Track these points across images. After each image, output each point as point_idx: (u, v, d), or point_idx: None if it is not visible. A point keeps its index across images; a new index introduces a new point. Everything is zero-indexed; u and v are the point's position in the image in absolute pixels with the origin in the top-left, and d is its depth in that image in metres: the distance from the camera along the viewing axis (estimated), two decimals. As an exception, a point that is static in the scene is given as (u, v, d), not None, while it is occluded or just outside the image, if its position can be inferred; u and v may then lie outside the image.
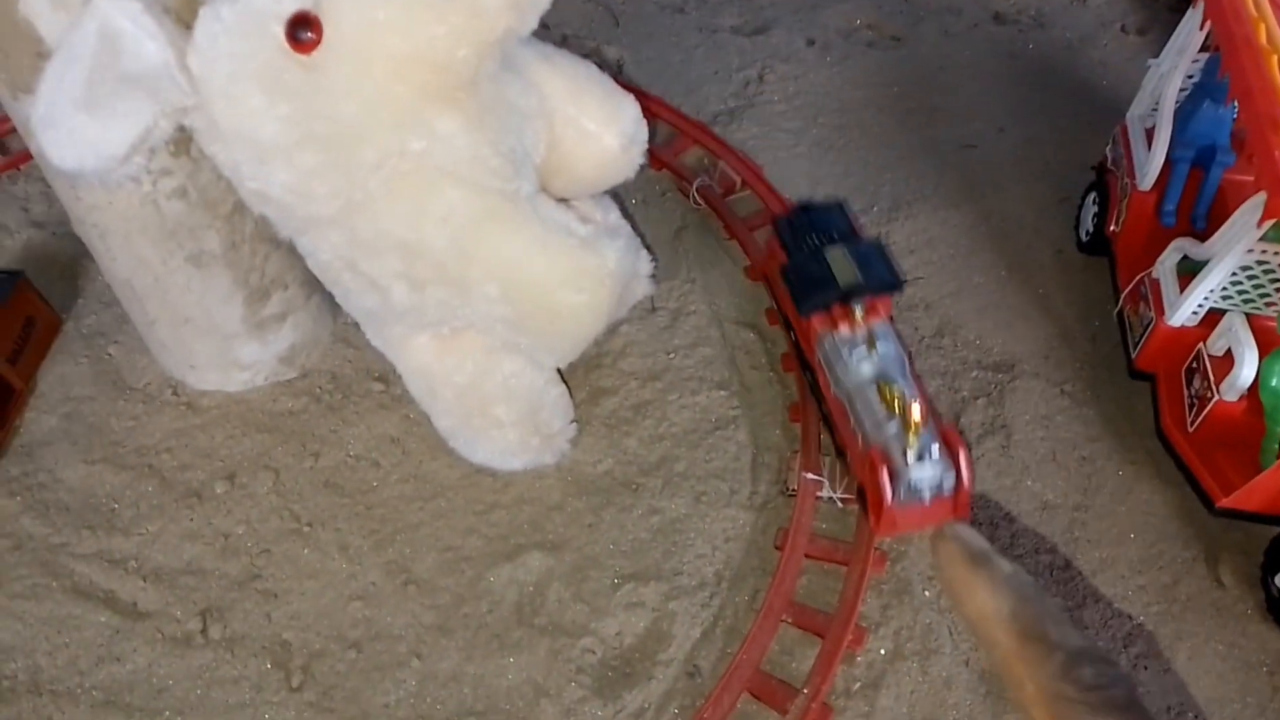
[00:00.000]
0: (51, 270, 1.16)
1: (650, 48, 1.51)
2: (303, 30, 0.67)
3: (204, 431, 1.00)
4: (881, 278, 0.96)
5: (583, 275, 0.80)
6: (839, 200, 1.07)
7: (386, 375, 1.03)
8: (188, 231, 0.87)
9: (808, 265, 0.98)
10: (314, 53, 0.68)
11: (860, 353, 0.91)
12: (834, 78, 1.45)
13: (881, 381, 0.89)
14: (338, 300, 0.90)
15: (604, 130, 0.88)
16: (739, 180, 1.27)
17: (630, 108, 0.90)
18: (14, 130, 1.34)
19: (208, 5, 0.70)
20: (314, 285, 1.02)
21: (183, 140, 0.80)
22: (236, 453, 0.98)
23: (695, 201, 1.25)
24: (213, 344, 0.98)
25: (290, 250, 0.94)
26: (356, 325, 1.04)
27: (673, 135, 1.33)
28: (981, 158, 1.33)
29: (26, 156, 1.32)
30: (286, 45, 0.67)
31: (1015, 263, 1.19)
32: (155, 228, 0.86)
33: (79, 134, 0.70)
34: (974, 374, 1.08)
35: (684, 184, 1.27)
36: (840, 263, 0.97)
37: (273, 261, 0.95)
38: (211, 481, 0.96)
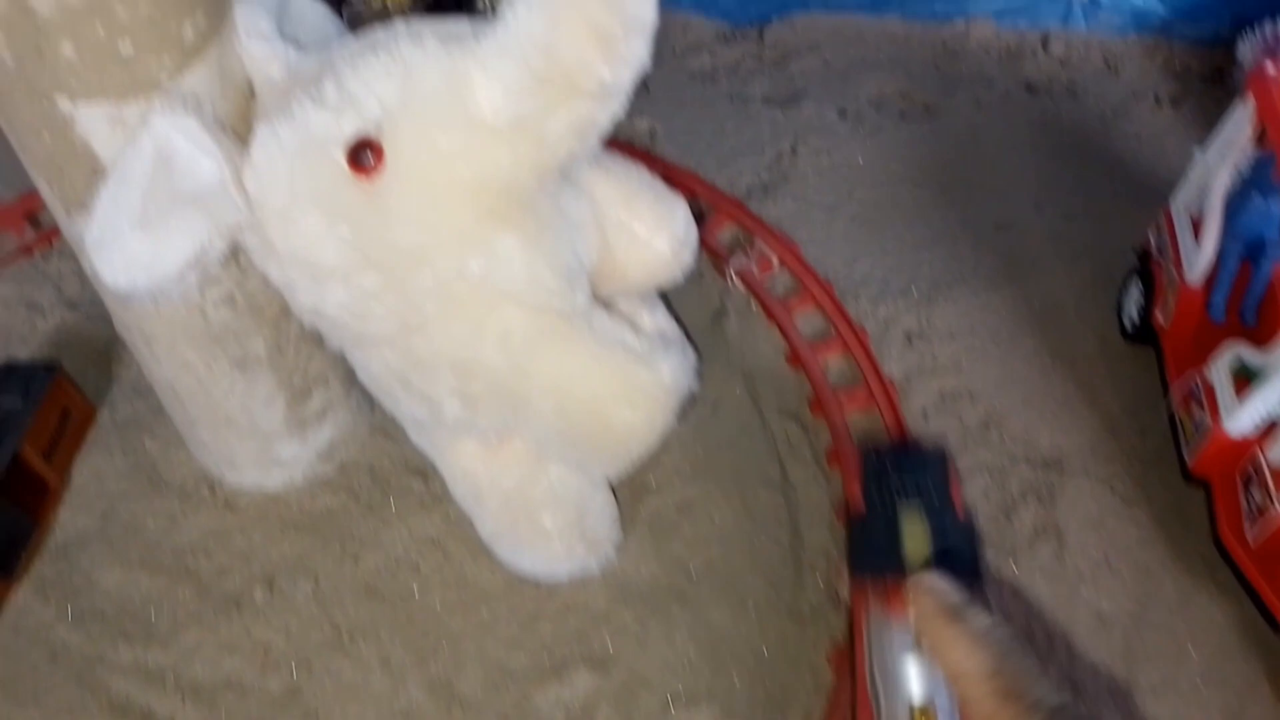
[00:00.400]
0: (86, 354, 1.15)
1: (681, 117, 1.50)
2: (364, 154, 0.66)
3: (242, 532, 0.98)
4: (958, 562, 0.74)
5: (638, 392, 0.79)
6: (943, 451, 0.99)
7: (425, 471, 1.01)
8: (234, 337, 0.85)
9: (878, 518, 0.82)
10: (375, 177, 0.66)
11: (910, 661, 0.75)
12: (867, 150, 1.44)
13: (922, 709, 0.75)
14: (384, 406, 0.88)
15: (655, 235, 0.87)
16: (776, 260, 1.26)
17: (680, 210, 0.89)
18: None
19: (265, 124, 0.69)
20: (354, 379, 1.01)
21: (232, 249, 0.78)
22: (275, 555, 0.96)
23: (733, 282, 1.24)
24: (253, 444, 0.96)
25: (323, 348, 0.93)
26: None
27: (708, 211, 1.32)
28: (1019, 237, 1.31)
29: (59, 232, 1.31)
30: (347, 169, 0.66)
31: (1059, 350, 1.17)
32: (201, 334, 0.84)
33: (133, 254, 0.69)
34: (1022, 470, 1.06)
35: (721, 263, 1.25)
36: (915, 529, 0.79)
37: (316, 360, 0.94)
38: (250, 587, 0.93)
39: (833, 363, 1.15)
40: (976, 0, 1.64)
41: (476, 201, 0.69)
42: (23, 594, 0.94)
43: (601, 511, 0.92)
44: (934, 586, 0.52)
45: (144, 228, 0.68)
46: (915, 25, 1.66)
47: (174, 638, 0.91)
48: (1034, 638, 0.90)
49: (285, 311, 0.86)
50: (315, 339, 0.91)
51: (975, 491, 1.04)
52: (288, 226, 0.69)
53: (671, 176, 1.34)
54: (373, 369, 0.79)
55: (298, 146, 0.67)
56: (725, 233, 1.31)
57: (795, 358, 1.15)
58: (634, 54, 0.64)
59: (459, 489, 0.93)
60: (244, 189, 0.69)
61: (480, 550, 0.95)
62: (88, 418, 1.08)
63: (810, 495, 1.02)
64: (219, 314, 0.83)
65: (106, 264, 0.69)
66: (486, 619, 0.92)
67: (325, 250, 0.69)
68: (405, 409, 0.84)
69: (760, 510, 1.00)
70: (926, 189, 1.38)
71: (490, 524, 0.91)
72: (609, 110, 0.67)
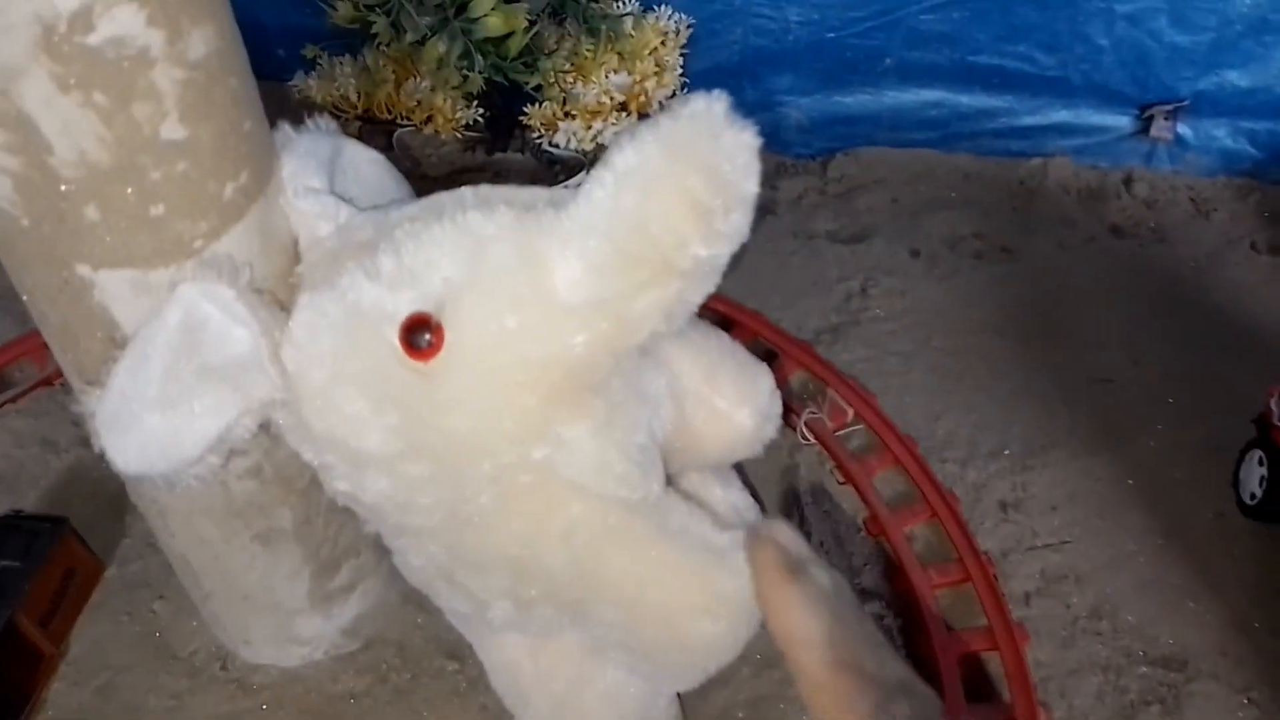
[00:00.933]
0: (99, 500, 1.06)
1: (742, 253, 1.42)
2: (420, 335, 0.57)
3: (260, 713, 0.87)
4: None
5: (719, 601, 0.68)
6: None
7: (460, 652, 0.90)
8: (257, 510, 0.76)
9: None
10: (432, 359, 0.57)
11: None
12: (944, 294, 1.35)
13: None
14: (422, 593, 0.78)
15: (737, 409, 0.77)
16: (851, 413, 1.16)
17: (765, 381, 0.80)
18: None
19: (309, 294, 0.61)
20: (385, 550, 0.91)
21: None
22: (285, 749, 0.85)
23: (803, 436, 1.13)
24: (272, 620, 0.86)
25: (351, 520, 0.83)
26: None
27: (773, 356, 1.23)
28: (1117, 394, 1.20)
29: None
30: (401, 350, 0.57)
31: (1172, 528, 1.05)
32: (222, 507, 0.75)
33: (149, 435, 0.60)
34: (1141, 670, 0.93)
35: (790, 415, 1.15)
36: None
37: (346, 531, 0.84)
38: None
39: (918, 532, 1.03)
40: (1053, 137, 1.57)
41: (543, 385, 0.60)
42: (4, 787, 0.83)
43: (666, 715, 0.80)
44: (777, 536, 0.48)
45: (164, 406, 0.59)
46: (988, 162, 1.58)
47: None
48: None
49: (316, 481, 0.77)
50: (347, 509, 0.82)
51: (1088, 693, 0.91)
52: (328, 408, 0.60)
53: (734, 317, 1.26)
54: (413, 561, 0.69)
55: (345, 322, 0.59)
56: (794, 379, 1.22)
57: (876, 525, 1.04)
58: (734, 229, 0.56)
59: (499, 680, 0.81)
60: (281, 364, 0.60)
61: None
62: (94, 576, 0.98)
63: (899, 697, 0.89)
64: (243, 486, 0.74)
65: (118, 446, 0.61)
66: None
67: (369, 436, 0.60)
68: (445, 603, 0.73)
69: (842, 714, 0.87)
70: (1012, 338, 1.28)
71: (538, 726, 0.79)
72: (703, 289, 0.58)
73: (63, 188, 0.56)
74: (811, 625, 0.43)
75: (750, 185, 0.55)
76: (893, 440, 1.11)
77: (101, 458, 1.08)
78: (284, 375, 0.61)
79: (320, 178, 0.69)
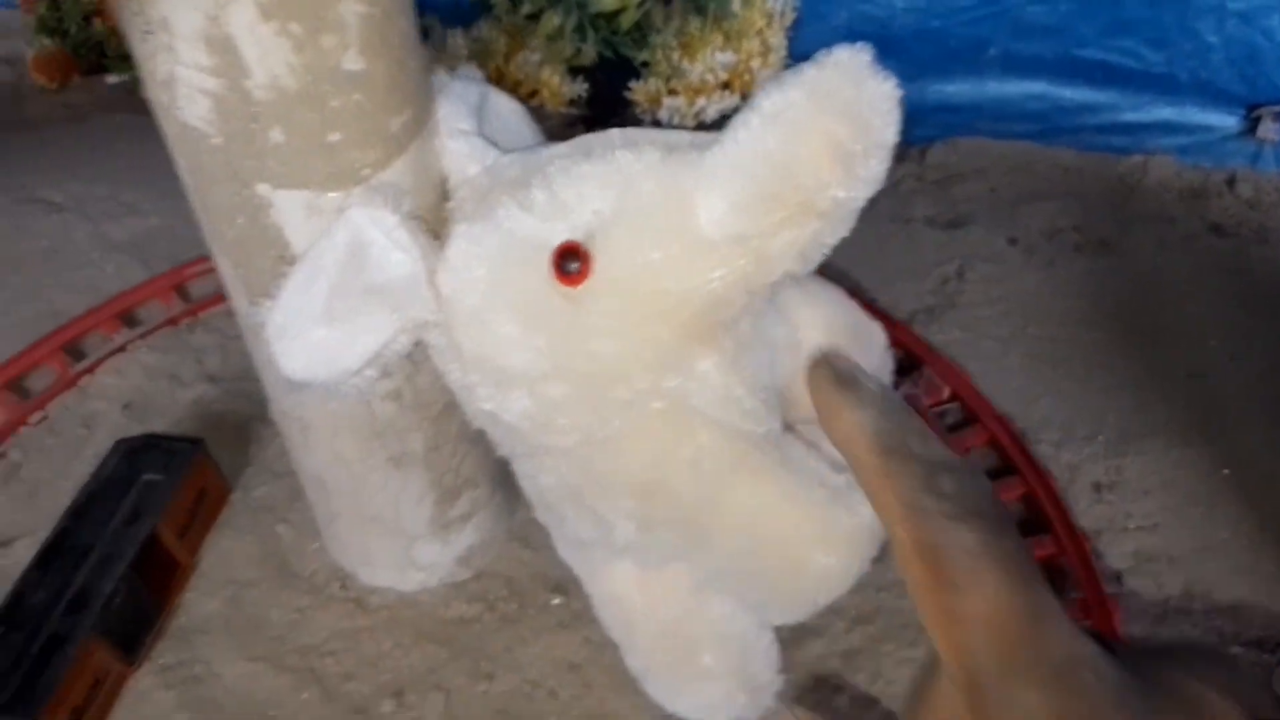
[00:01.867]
0: (223, 430, 1.13)
1: (839, 234, 1.44)
2: (571, 262, 0.61)
3: (372, 636, 0.92)
4: None
5: (836, 535, 0.71)
6: None
7: (566, 586, 0.95)
8: (395, 433, 0.81)
9: None
10: (579, 285, 0.62)
11: None
12: (1041, 283, 1.36)
13: None
14: (543, 521, 0.82)
15: (850, 363, 0.80)
16: (947, 390, 1.18)
17: (879, 337, 0.82)
18: (199, 275, 1.35)
19: (464, 224, 0.66)
20: (499, 482, 0.96)
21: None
22: (405, 665, 0.90)
23: (896, 411, 1.15)
24: (394, 544, 0.91)
25: (485, 449, 0.88)
26: (534, 523, 0.96)
27: (869, 334, 1.25)
28: (1214, 389, 1.20)
29: (205, 305, 1.32)
30: (551, 275, 0.61)
31: (1266, 519, 1.05)
32: (364, 428, 0.80)
33: (315, 346, 0.65)
34: (1234, 650, 0.93)
35: (883, 390, 1.17)
36: None
37: (469, 461, 0.89)
38: (378, 698, 0.87)
39: (1012, 508, 1.05)
40: (1156, 135, 1.56)
41: (680, 317, 0.63)
42: (144, 679, 0.90)
43: (767, 655, 0.83)
44: (829, 358, 0.52)
45: (330, 320, 0.65)
46: (1089, 157, 1.58)
47: (293, 746, 0.85)
48: None
49: (448, 409, 0.82)
50: (472, 439, 0.86)
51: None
52: (480, 329, 0.65)
53: (833, 295, 1.28)
54: (542, 481, 0.74)
55: (499, 250, 0.63)
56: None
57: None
58: (873, 174, 0.59)
59: (606, 612, 0.85)
60: (436, 288, 0.65)
61: (625, 684, 0.87)
62: (222, 497, 1.05)
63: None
64: (384, 408, 0.79)
65: (287, 354, 0.66)
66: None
67: (517, 356, 0.64)
68: (570, 527, 0.77)
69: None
70: (1108, 330, 1.29)
71: (642, 657, 0.83)
72: (839, 231, 0.61)
73: (254, 110, 0.61)
74: (861, 421, 0.46)
75: (890, 133, 0.58)
76: (989, 417, 1.13)
77: (227, 391, 1.16)
78: (438, 299, 0.65)
79: (470, 121, 0.73)
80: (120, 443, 1.01)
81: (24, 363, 1.23)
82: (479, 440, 0.85)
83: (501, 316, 0.64)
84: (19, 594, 0.88)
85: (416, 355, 0.76)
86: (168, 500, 0.95)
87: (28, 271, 1.39)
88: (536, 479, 0.74)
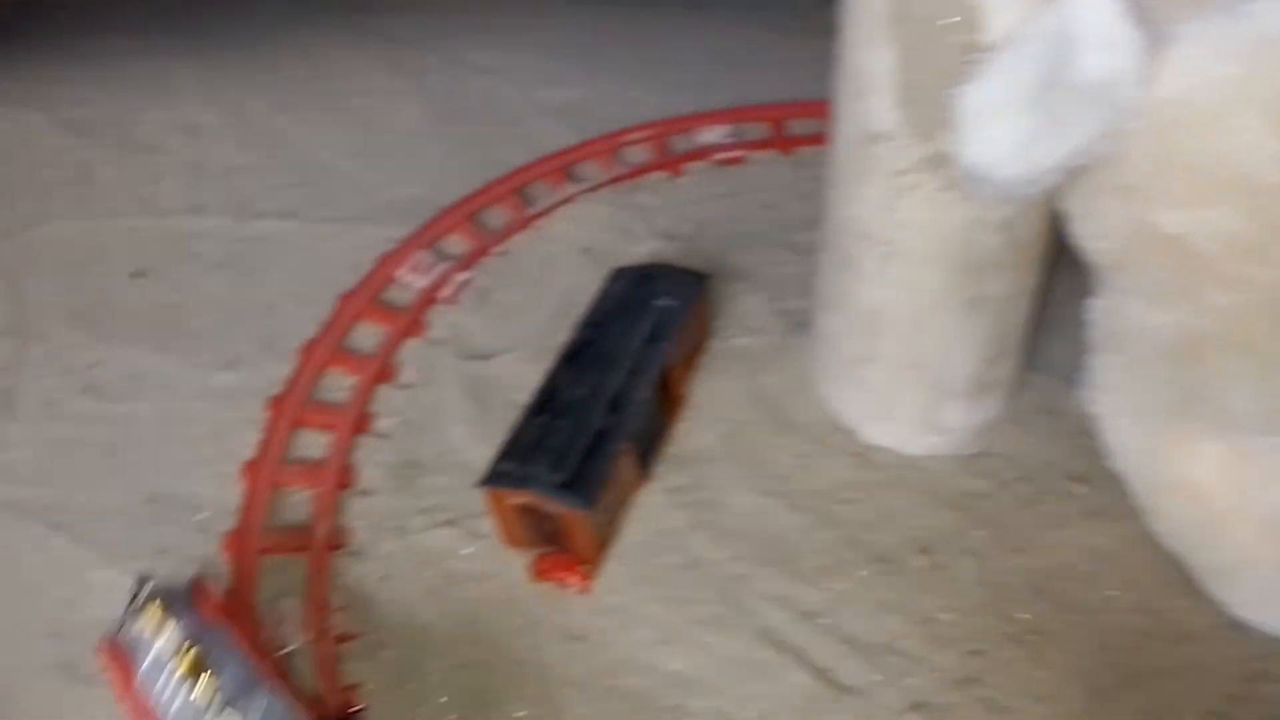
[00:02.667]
0: (687, 284, 1.12)
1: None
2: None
3: (885, 491, 0.89)
4: None
5: None
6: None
7: (1089, 476, 0.89)
8: (988, 270, 0.77)
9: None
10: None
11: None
12: None
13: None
14: (1110, 388, 0.77)
15: None
16: None
17: None
18: (635, 142, 1.36)
19: (1196, 22, 0.60)
20: (1026, 362, 0.91)
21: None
22: (925, 525, 0.86)
23: None
24: (924, 398, 0.88)
25: (1029, 312, 0.83)
26: (1039, 411, 0.92)
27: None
28: None
29: (644, 170, 1.33)
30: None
31: None
32: (959, 259, 0.77)
33: (1013, 135, 0.62)
34: None
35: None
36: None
37: (1019, 325, 0.84)
38: (905, 550, 0.84)
39: None
40: None
41: None
42: (653, 495, 0.90)
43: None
44: None
45: (1032, 111, 0.61)
46: None
47: (823, 580, 0.82)
48: None
49: (1040, 258, 0.78)
50: (1032, 293, 0.82)
51: None
52: (1209, 133, 0.59)
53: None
54: (1165, 330, 0.68)
55: (1256, 46, 0.58)
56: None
57: None
58: None
59: (1175, 505, 0.79)
60: (1151, 88, 0.60)
61: (1177, 580, 0.80)
62: (706, 340, 1.04)
63: None
64: (990, 240, 0.75)
65: (981, 139, 0.62)
66: (1196, 660, 0.77)
67: (1254, 162, 0.58)
68: (1156, 386, 0.72)
69: None
70: None
71: (1225, 554, 0.77)
72: None
73: None
74: None
75: None
76: None
77: (680, 248, 1.16)
78: (1149, 100, 0.60)
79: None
80: (624, 269, 1.02)
81: (483, 199, 1.27)
82: (1038, 299, 0.81)
83: (1246, 118, 0.58)
84: (553, 388, 0.89)
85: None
86: (679, 327, 0.94)
87: (465, 125, 1.44)
88: (1158, 328, 0.69)
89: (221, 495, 0.90)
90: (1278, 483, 0.73)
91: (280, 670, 0.74)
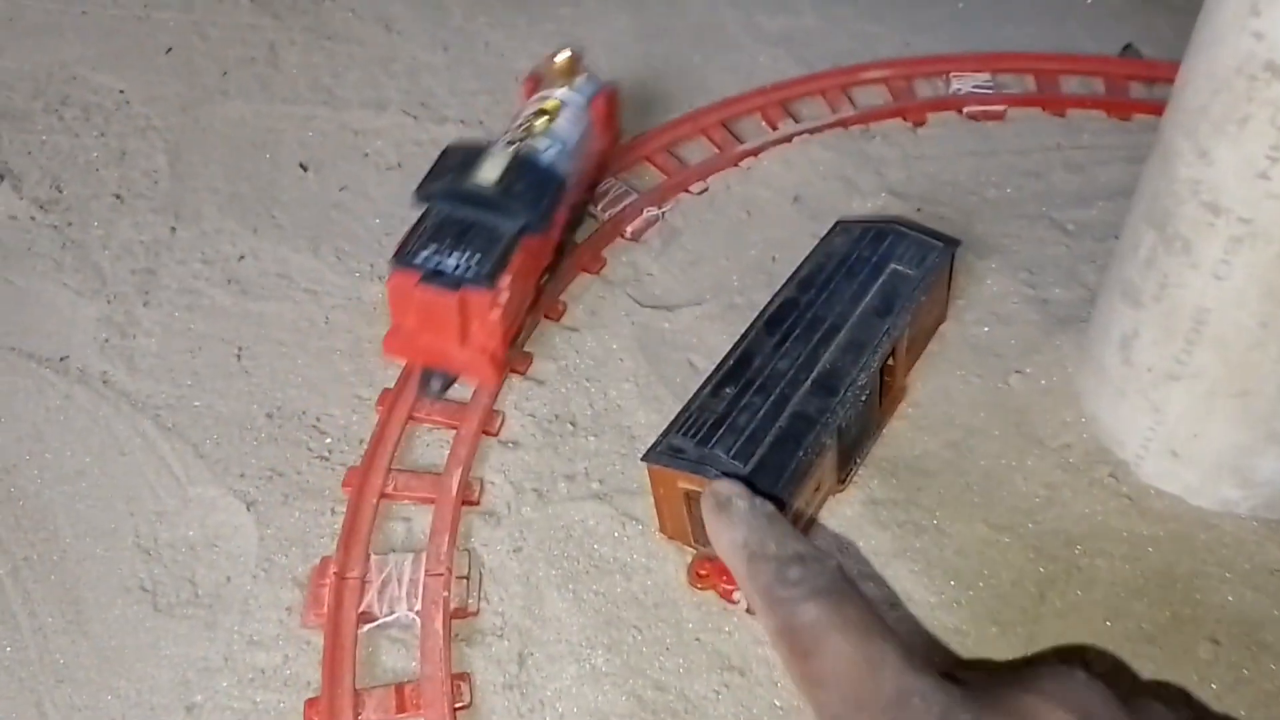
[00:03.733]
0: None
1: None
2: None
3: (1162, 549, 0.68)
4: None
5: None
6: None
7: None
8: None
9: None
10: None
11: None
12: None
13: None
14: None
15: None
16: None
17: None
18: (870, 81, 1.16)
19: None
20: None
21: None
22: (1215, 603, 0.65)
23: None
24: (1242, 437, 0.66)
25: None
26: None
27: None
28: None
29: (881, 115, 1.13)
30: None
31: None
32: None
33: None
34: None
35: None
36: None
37: None
38: (1194, 643, 0.63)
39: None
40: None
41: None
42: (852, 506, 0.72)
43: None
44: (714, 488, 0.57)
45: None
46: None
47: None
48: None
49: None
50: None
51: None
52: None
53: None
54: None
55: None
56: None
57: None
58: None
59: None
60: None
61: None
62: (942, 319, 0.85)
63: None
64: None
65: None
66: None
67: None
68: None
69: None
70: None
71: None
72: None
73: None
74: (733, 536, 0.53)
75: None
76: None
77: (916, 209, 0.96)
78: None
79: None
80: (850, 222, 0.84)
81: (685, 128, 1.10)
82: None
83: None
84: (748, 355, 0.72)
85: None
86: (914, 302, 0.75)
87: (675, 45, 1.27)
88: None
89: (351, 423, 0.78)
90: None
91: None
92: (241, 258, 0.94)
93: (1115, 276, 0.71)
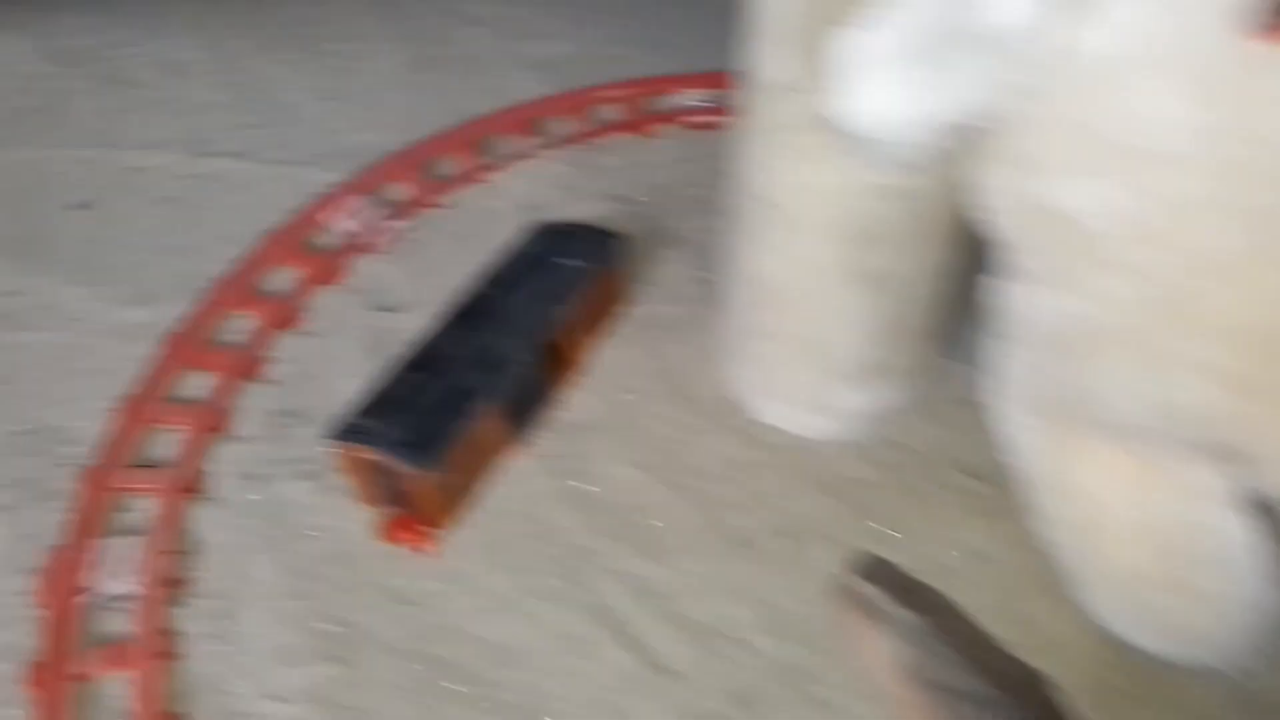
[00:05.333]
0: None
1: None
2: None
3: (764, 473, 0.83)
4: None
5: None
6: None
7: (983, 473, 0.82)
8: (884, 244, 0.71)
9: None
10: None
11: None
12: None
13: None
14: (1010, 378, 0.70)
15: None
16: None
17: None
18: (609, 100, 1.30)
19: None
20: (938, 347, 0.84)
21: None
22: (796, 509, 0.81)
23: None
24: (815, 378, 0.82)
25: (941, 294, 0.76)
26: (948, 401, 0.85)
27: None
28: None
29: (613, 129, 1.27)
30: (1245, 32, 0.47)
31: None
32: (855, 231, 0.70)
33: (894, 88, 0.55)
34: None
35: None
36: None
37: (923, 305, 0.77)
38: (763, 534, 0.79)
39: None
40: None
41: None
42: (525, 462, 0.86)
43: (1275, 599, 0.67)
44: (853, 584, 0.48)
45: (921, 61, 0.54)
46: None
47: (672, 560, 0.78)
48: None
49: (946, 236, 0.71)
50: (947, 275, 0.75)
51: None
52: (1114, 95, 0.52)
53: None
54: (1072, 313, 0.60)
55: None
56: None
57: None
58: None
59: (1059, 507, 0.72)
60: (1063, 40, 0.53)
61: (1046, 586, 0.73)
62: (616, 305, 1.00)
63: None
64: (886, 210, 0.69)
65: (858, 93, 0.56)
66: (1054, 670, 0.69)
67: (1168, 136, 0.50)
68: (1049, 379, 0.65)
69: None
70: None
71: (1107, 567, 0.69)
72: None
73: None
74: (898, 655, 0.45)
75: None
76: None
77: (627, 211, 1.11)
78: (1055, 54, 0.53)
79: None
80: (541, 225, 0.98)
81: (435, 147, 1.23)
82: (947, 280, 0.74)
83: (1161, 84, 0.50)
84: (431, 343, 0.86)
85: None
86: (579, 289, 0.90)
87: (441, 75, 1.41)
88: (1063, 311, 0.61)
89: (95, 430, 0.89)
90: (1166, 494, 0.66)
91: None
92: (11, 294, 1.04)
93: (725, 259, 0.86)
